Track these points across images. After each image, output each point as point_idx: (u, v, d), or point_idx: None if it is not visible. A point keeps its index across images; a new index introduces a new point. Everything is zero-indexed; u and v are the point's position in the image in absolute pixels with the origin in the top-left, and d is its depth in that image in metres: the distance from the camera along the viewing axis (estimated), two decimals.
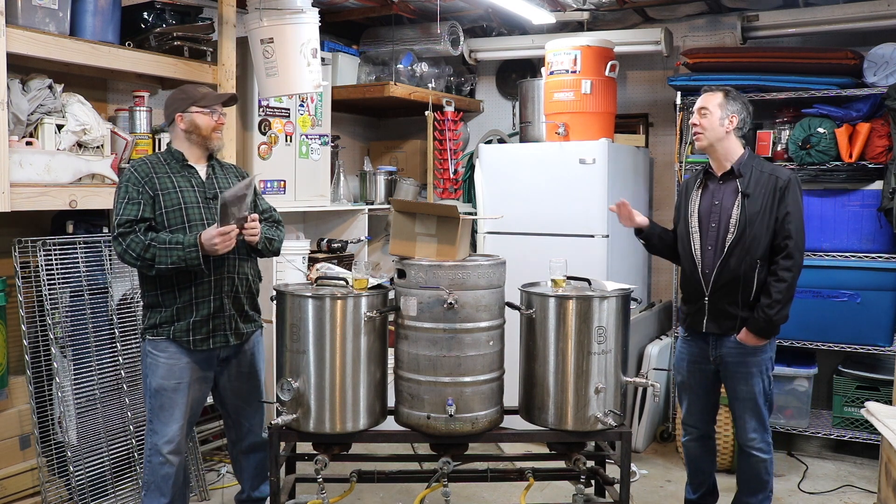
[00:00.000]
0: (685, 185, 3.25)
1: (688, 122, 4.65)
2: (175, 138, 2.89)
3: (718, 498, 3.35)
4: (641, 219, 3.24)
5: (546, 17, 4.71)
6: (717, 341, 3.07)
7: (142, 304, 2.91)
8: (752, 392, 3.04)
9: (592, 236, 4.26)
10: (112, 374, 3.37)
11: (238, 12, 3.73)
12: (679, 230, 3.18)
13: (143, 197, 2.72)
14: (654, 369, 4.44)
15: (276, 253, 2.99)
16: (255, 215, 2.76)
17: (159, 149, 3.55)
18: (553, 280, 2.91)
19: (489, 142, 5.40)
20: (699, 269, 3.06)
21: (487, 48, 5.35)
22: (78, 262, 3.29)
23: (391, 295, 2.87)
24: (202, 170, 2.88)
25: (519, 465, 3.20)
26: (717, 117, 3.02)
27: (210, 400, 3.05)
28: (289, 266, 3.98)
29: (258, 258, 2.97)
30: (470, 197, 5.16)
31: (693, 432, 3.26)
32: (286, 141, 4.28)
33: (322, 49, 3.87)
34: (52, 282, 3.19)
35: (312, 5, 3.62)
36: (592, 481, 3.10)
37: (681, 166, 4.56)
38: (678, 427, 4.26)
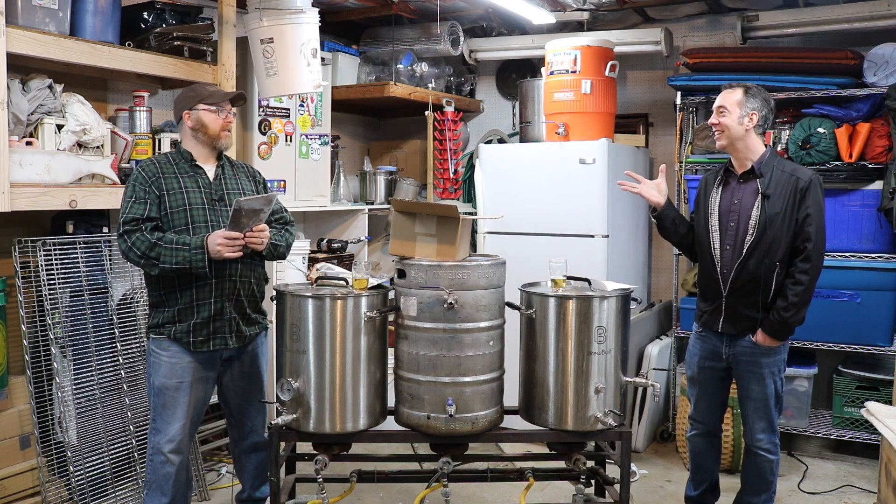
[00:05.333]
0: (704, 182, 3.20)
1: (688, 122, 4.67)
2: (183, 137, 2.89)
3: (720, 496, 3.35)
4: (659, 199, 3.19)
5: (546, 17, 4.71)
6: (731, 340, 3.06)
7: (147, 302, 2.92)
8: (764, 393, 3.03)
9: (592, 236, 4.26)
10: (112, 374, 3.37)
11: (238, 12, 3.73)
12: (698, 228, 3.15)
13: (149, 196, 2.72)
14: (654, 369, 4.44)
15: (282, 257, 2.98)
16: (265, 225, 2.76)
17: (159, 149, 3.55)
18: (553, 280, 2.91)
19: (489, 142, 5.40)
20: (717, 269, 3.04)
21: (487, 48, 5.35)
22: (78, 262, 3.29)
23: (391, 295, 2.87)
24: (211, 170, 2.87)
25: (519, 465, 3.20)
26: (735, 116, 2.98)
27: (213, 399, 3.05)
28: (289, 266, 3.98)
29: (263, 261, 2.97)
30: (470, 197, 5.16)
31: (699, 427, 3.25)
32: (286, 141, 4.28)
33: (322, 49, 3.87)
34: (52, 282, 3.19)
35: (312, 5, 3.62)
36: (592, 481, 3.10)
37: (681, 166, 4.56)
38: (678, 427, 4.26)
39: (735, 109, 2.99)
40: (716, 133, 3.06)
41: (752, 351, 3.02)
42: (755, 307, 2.98)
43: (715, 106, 3.06)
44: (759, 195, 2.95)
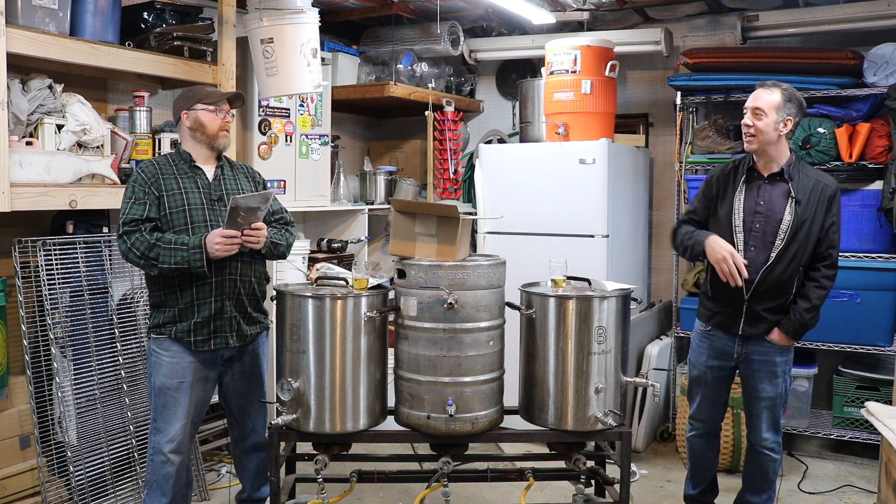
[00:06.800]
0: (720, 177, 3.09)
1: (688, 122, 4.67)
2: (182, 138, 2.89)
3: (718, 494, 3.35)
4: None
5: (546, 17, 4.71)
6: (744, 339, 3.04)
7: (147, 303, 2.92)
8: (775, 392, 3.03)
9: (592, 236, 4.26)
10: (112, 374, 3.37)
11: (238, 12, 3.73)
12: (720, 227, 3.03)
13: (149, 197, 2.72)
14: (654, 369, 4.44)
15: (283, 257, 2.98)
16: (262, 223, 2.76)
17: (159, 149, 3.55)
18: (553, 280, 2.90)
19: (489, 142, 5.40)
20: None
21: (487, 48, 5.35)
22: (78, 262, 3.29)
23: (391, 295, 2.87)
24: (210, 171, 2.87)
25: (519, 465, 3.20)
26: (772, 120, 2.87)
27: (214, 399, 3.05)
28: (289, 266, 3.98)
29: (264, 260, 2.97)
30: (470, 197, 5.16)
31: (700, 428, 3.23)
32: (286, 141, 4.28)
33: (322, 49, 3.87)
34: (52, 282, 3.19)
35: (312, 5, 3.62)
36: (592, 481, 3.10)
37: (681, 166, 4.56)
38: (678, 427, 4.26)
39: (772, 113, 2.88)
40: (747, 137, 2.95)
41: (766, 350, 3.00)
42: (776, 311, 2.97)
43: (750, 106, 2.93)
44: (792, 200, 2.91)
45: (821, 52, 4.26)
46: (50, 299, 3.18)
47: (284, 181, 4.28)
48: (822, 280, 2.93)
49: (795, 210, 2.90)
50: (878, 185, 4.06)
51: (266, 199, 2.72)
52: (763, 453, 3.08)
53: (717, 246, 2.93)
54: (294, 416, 2.71)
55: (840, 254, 4.04)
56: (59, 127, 3.13)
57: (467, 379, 2.72)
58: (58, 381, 3.19)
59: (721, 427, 3.29)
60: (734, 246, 2.97)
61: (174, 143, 3.52)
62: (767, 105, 2.89)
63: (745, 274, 2.90)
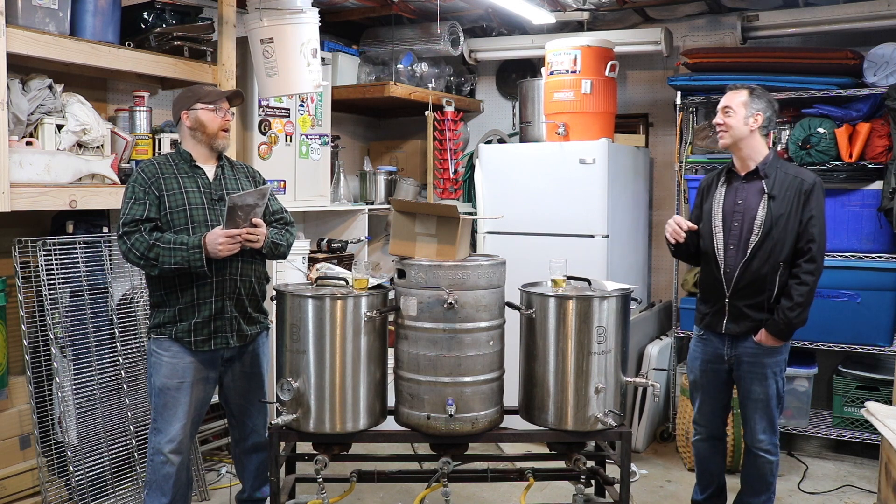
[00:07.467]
0: (705, 183, 3.20)
1: (688, 122, 4.67)
2: (183, 138, 2.89)
3: (727, 500, 3.35)
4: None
5: (546, 17, 4.71)
6: (733, 341, 3.06)
7: (149, 303, 2.92)
8: (766, 393, 3.03)
9: (592, 236, 4.26)
10: (112, 374, 3.37)
11: (238, 12, 3.73)
12: (702, 229, 3.13)
13: (149, 197, 2.72)
14: (654, 369, 4.44)
15: (283, 256, 2.97)
16: (260, 220, 2.76)
17: (159, 149, 3.56)
18: (553, 280, 2.91)
19: (489, 142, 5.40)
20: (721, 270, 3.03)
21: (487, 48, 5.35)
22: (78, 262, 3.29)
23: (391, 295, 2.87)
24: (210, 170, 2.87)
25: (519, 465, 3.20)
26: (741, 116, 2.98)
27: (214, 399, 3.05)
28: (289, 266, 3.98)
29: (264, 260, 2.97)
30: (470, 197, 5.16)
31: (703, 432, 3.25)
32: (286, 141, 4.28)
33: (322, 49, 3.87)
34: (52, 282, 3.19)
35: (312, 5, 3.62)
36: (592, 481, 3.10)
37: (681, 166, 4.56)
38: (678, 427, 4.26)
39: (740, 110, 2.99)
40: (720, 133, 3.05)
41: (754, 351, 3.02)
42: (758, 308, 2.98)
43: (720, 106, 3.06)
44: (766, 196, 2.95)
45: (821, 52, 4.26)
46: (50, 299, 3.18)
47: (284, 181, 4.28)
48: (802, 276, 2.92)
49: (769, 205, 2.94)
50: (878, 185, 4.06)
51: (263, 195, 2.72)
52: (759, 455, 3.08)
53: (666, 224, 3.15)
54: (294, 416, 2.71)
55: (840, 254, 4.12)
56: (59, 127, 3.13)
57: (467, 379, 2.72)
58: (58, 381, 3.19)
59: (725, 432, 3.31)
60: (714, 246, 3.06)
61: (174, 143, 3.52)
62: (735, 103, 3.02)
63: (685, 226, 3.06)
